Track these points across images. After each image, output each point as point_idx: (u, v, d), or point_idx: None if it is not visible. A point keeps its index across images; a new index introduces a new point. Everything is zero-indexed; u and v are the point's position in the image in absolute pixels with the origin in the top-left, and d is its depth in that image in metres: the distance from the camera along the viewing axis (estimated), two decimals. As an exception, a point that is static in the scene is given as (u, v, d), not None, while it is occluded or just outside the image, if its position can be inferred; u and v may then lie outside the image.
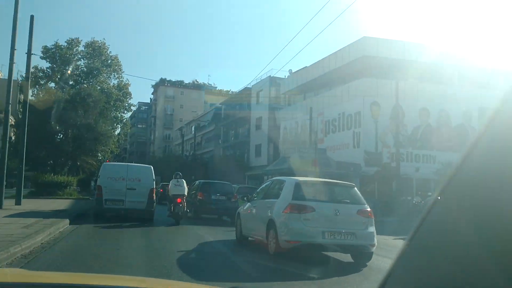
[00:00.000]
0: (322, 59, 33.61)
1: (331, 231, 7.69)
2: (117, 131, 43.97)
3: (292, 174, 18.98)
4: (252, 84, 46.28)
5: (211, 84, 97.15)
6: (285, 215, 7.99)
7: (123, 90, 41.46)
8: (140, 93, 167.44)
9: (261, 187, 10.75)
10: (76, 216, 13.69)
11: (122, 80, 41.76)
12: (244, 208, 10.54)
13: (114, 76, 41.73)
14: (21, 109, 24.21)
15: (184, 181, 14.95)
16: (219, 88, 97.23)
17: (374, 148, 26.43)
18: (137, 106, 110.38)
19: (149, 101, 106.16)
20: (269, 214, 8.52)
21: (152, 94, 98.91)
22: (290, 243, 7.79)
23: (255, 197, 10.15)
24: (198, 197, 16.65)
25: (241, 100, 50.69)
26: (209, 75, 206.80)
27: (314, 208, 7.87)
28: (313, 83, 34.26)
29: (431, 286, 0.80)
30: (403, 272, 0.93)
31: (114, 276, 3.15)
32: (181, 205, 14.06)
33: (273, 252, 8.09)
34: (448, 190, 0.85)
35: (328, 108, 30.83)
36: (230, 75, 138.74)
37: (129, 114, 44.22)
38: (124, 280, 2.39)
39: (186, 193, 14.75)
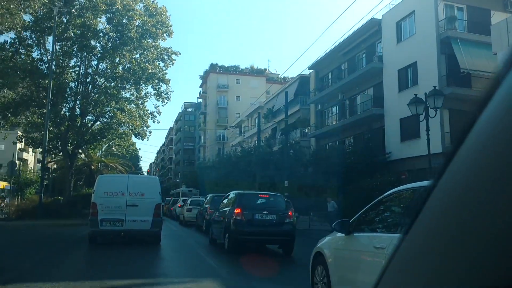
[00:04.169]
0: None
1: None
2: (146, 100, 24.21)
3: None
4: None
5: (271, 72, 77.72)
6: None
7: (154, 17, 21.94)
8: (185, 93, 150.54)
9: (386, 197, 4.90)
10: None
11: (154, 1, 22.25)
12: (336, 247, 5.55)
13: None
14: None
15: None
16: (282, 76, 76.55)
17: None
18: (182, 108, 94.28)
19: (196, 101, 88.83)
20: None
21: (200, 87, 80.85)
22: None
23: (368, 223, 5.07)
24: (234, 216, 11.20)
25: (354, 51, 30.14)
26: (269, 60, 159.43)
27: None
28: None
29: None
30: (396, 276, 0.79)
31: None
32: None
33: None
34: (446, 176, 0.69)
35: None
36: (291, 61, 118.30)
37: (168, 70, 23.72)
38: None
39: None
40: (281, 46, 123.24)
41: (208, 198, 18.25)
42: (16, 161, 46.44)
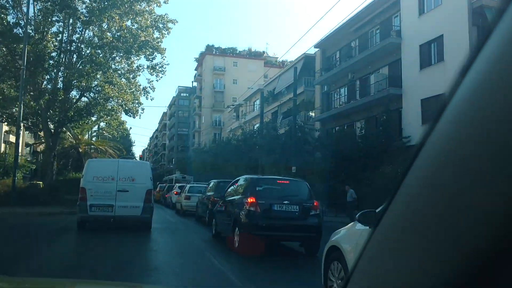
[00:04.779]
0: None
1: None
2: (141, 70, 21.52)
3: None
4: None
5: (269, 55, 74.85)
6: None
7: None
8: (179, 78, 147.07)
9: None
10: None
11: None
12: (358, 242, 4.60)
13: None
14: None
15: None
16: (280, 59, 73.55)
17: None
18: (176, 92, 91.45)
19: (190, 86, 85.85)
20: None
21: (195, 69, 77.87)
22: None
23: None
24: (247, 206, 9.18)
25: (366, 26, 27.65)
26: (267, 43, 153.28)
27: None
28: None
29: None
30: (367, 271, 0.77)
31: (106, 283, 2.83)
32: None
33: None
34: (417, 166, 0.66)
35: None
36: (290, 44, 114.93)
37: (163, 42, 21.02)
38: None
39: None
40: (280, 29, 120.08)
41: (212, 185, 15.82)
42: (2, 144, 43.61)
